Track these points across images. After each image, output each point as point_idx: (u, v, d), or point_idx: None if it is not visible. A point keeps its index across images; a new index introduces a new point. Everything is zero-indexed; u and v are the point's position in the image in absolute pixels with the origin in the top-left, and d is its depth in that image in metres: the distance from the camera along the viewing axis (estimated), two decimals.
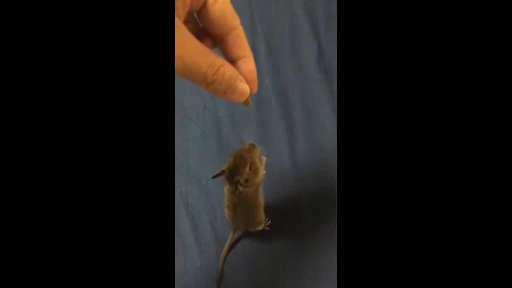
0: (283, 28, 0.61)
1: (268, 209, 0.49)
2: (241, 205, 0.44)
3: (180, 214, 0.51)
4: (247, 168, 0.41)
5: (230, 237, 0.48)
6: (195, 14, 0.27)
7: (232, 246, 0.49)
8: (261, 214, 0.47)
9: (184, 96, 0.57)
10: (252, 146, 0.43)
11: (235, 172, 0.41)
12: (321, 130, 0.55)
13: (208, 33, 0.27)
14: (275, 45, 0.60)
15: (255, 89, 0.28)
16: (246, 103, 0.28)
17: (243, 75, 0.26)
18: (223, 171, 0.42)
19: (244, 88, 0.26)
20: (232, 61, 0.27)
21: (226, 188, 0.45)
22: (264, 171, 0.46)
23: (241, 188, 0.41)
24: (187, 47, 0.23)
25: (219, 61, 0.25)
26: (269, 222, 0.49)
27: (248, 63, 0.27)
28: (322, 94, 0.57)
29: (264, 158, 0.45)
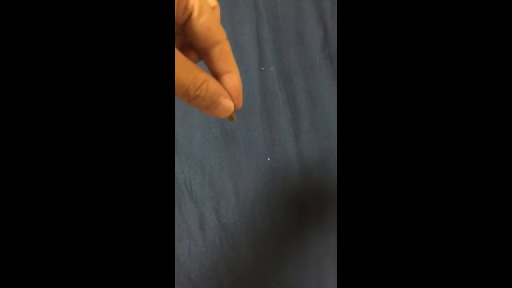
0: (288, 14, 0.60)
1: (272, 199, 0.50)
2: None
3: (184, 201, 0.52)
4: None
5: None
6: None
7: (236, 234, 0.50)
8: None
9: None
10: None
11: None
12: (326, 118, 0.55)
13: (193, 46, 0.26)
14: (280, 31, 0.59)
15: (240, 105, 0.27)
16: (230, 118, 0.28)
17: (228, 91, 0.26)
18: None
19: (228, 104, 0.26)
20: (217, 76, 0.26)
21: None
22: None
23: None
24: None
25: (203, 76, 0.24)
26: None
27: (233, 78, 0.26)
28: (327, 81, 0.57)
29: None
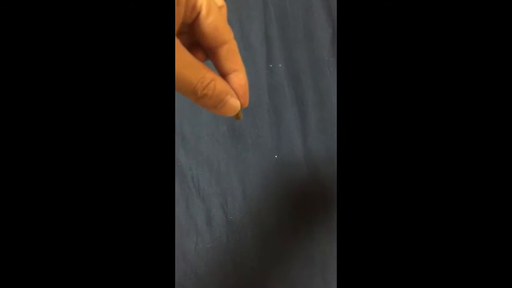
0: (297, 11, 0.60)
1: (279, 196, 0.50)
2: None
3: (191, 198, 0.52)
4: None
5: None
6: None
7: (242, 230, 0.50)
8: None
9: None
10: None
11: None
12: (334, 115, 0.55)
13: (200, 45, 0.26)
14: (289, 28, 0.59)
15: (247, 104, 0.27)
16: (236, 117, 0.28)
17: (234, 89, 0.26)
18: None
19: (235, 103, 0.26)
20: (224, 75, 0.26)
21: None
22: None
23: None
24: (177, 59, 0.22)
25: (210, 75, 0.24)
26: None
27: (240, 77, 0.26)
28: (335, 79, 0.57)
29: None
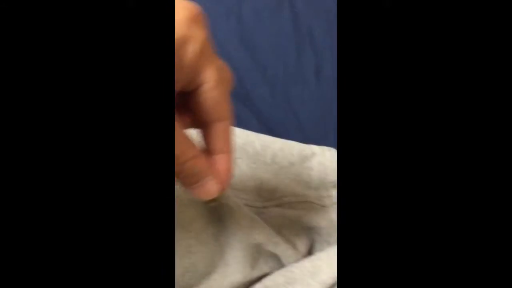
0: None
1: None
2: None
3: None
4: None
5: None
6: None
7: None
8: None
9: None
10: None
11: None
12: None
13: (190, 111, 0.23)
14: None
15: (226, 189, 0.24)
16: (211, 201, 0.25)
17: (217, 173, 0.23)
18: None
19: (212, 188, 0.22)
20: (210, 153, 0.23)
21: None
22: None
23: None
24: None
25: (191, 152, 0.21)
26: None
27: (226, 161, 0.23)
28: None
29: None
